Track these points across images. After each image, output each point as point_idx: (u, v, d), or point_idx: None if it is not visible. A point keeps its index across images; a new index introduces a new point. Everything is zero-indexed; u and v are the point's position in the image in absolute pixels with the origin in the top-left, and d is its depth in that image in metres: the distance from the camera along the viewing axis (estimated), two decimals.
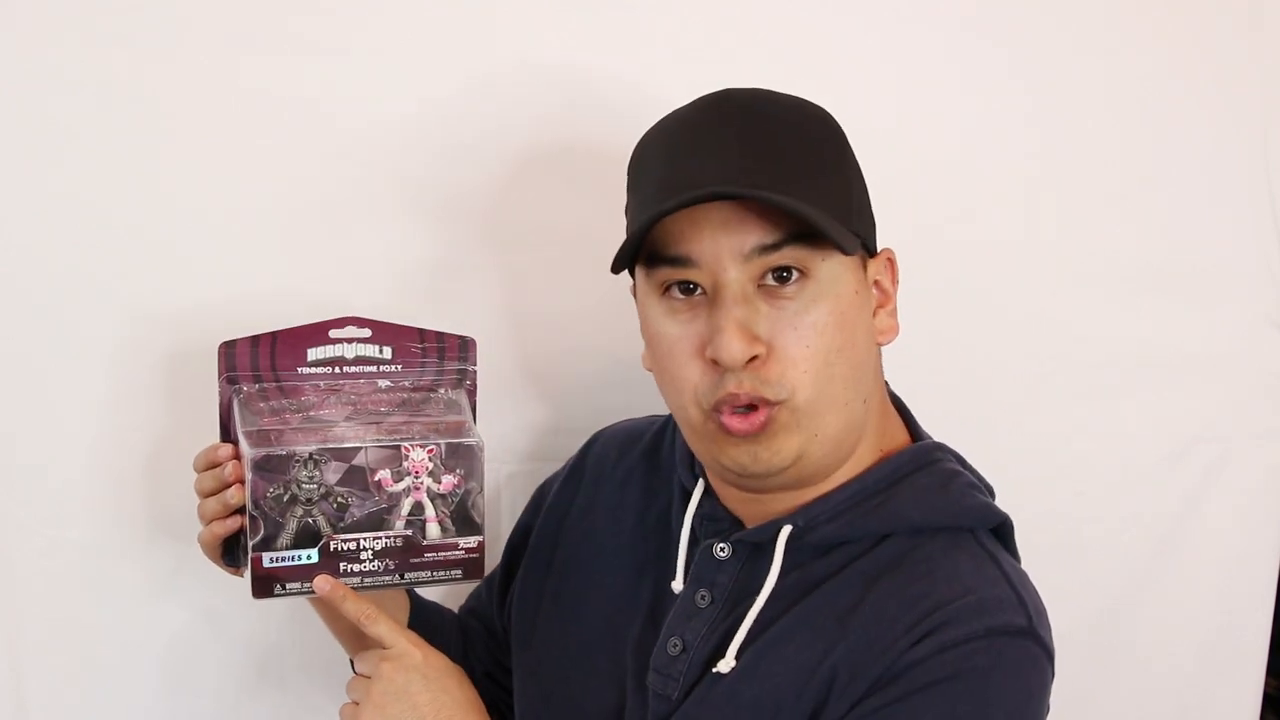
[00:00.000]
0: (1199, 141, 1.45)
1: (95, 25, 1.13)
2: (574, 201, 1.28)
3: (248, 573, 0.99)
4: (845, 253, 0.92)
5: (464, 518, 1.03)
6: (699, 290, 0.94)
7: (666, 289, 0.95)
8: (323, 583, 0.99)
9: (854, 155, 0.99)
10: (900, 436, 1.04)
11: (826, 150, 0.96)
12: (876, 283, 1.00)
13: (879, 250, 1.01)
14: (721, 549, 1.01)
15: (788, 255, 0.92)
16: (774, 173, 0.91)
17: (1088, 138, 1.42)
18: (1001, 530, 1.01)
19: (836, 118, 0.99)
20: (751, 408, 0.93)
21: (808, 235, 0.91)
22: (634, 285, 1.01)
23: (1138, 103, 1.43)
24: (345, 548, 1.00)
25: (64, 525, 1.20)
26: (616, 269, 0.96)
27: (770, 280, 0.93)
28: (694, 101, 0.98)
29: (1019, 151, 1.40)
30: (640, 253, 0.96)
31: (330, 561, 1.00)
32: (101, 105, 1.14)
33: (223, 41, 1.16)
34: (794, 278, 0.92)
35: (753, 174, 0.91)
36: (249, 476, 0.98)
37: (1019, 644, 0.91)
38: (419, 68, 1.22)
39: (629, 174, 1.00)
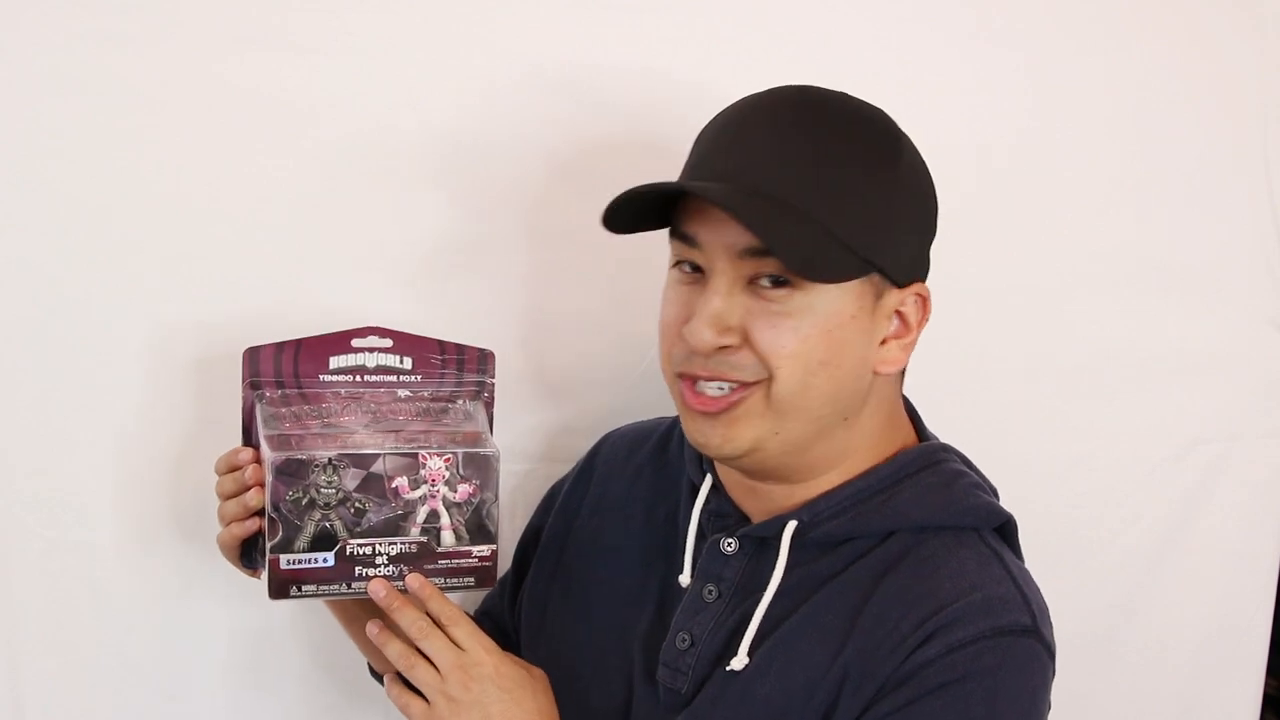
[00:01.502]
0: (1199, 141, 1.45)
1: (118, 30, 1.13)
2: (588, 205, 1.26)
3: (265, 574, 1.01)
4: (819, 281, 0.92)
5: (478, 526, 1.04)
6: (700, 270, 0.97)
7: (679, 260, 0.99)
8: (378, 586, 1.00)
9: (906, 173, 0.97)
10: (907, 437, 1.05)
11: (860, 167, 0.94)
12: (899, 313, 0.98)
13: (913, 280, 0.98)
14: (728, 544, 1.02)
15: (775, 264, 0.92)
16: (786, 184, 0.92)
17: (1088, 138, 1.42)
18: (1005, 530, 1.02)
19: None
20: (721, 390, 0.95)
21: None
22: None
23: (1138, 103, 1.43)
24: (361, 552, 1.01)
25: (69, 527, 1.20)
26: (605, 221, 0.97)
27: (764, 282, 0.94)
28: (758, 93, 0.98)
29: (1020, 152, 1.40)
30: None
31: (346, 565, 1.01)
32: (125, 109, 1.14)
33: (242, 47, 1.16)
34: (785, 285, 0.93)
35: (766, 178, 0.92)
36: (269, 479, 0.98)
37: (1024, 643, 0.93)
38: (437, 72, 1.21)
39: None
